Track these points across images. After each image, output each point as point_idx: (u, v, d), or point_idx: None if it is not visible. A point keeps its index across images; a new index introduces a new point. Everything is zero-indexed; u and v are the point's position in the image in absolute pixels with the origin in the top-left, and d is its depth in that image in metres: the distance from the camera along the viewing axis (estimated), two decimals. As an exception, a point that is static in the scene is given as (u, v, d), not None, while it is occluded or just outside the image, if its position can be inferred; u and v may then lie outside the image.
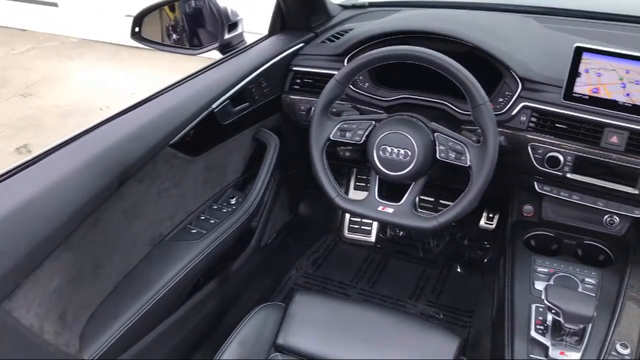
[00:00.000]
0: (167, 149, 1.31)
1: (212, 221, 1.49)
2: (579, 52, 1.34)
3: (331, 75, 1.39)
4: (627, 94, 1.34)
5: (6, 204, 0.98)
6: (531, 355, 1.24)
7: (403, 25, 1.56)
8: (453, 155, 1.33)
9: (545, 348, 1.25)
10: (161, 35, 1.68)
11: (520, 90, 1.44)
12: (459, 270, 2.24)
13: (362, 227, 2.36)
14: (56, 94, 4.62)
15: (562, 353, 1.24)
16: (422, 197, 2.27)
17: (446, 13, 1.80)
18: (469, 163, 1.30)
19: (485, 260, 2.20)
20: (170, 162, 1.37)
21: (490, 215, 2.18)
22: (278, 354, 1.33)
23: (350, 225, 2.37)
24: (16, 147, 3.69)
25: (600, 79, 1.35)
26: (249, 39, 1.70)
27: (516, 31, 1.64)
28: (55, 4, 6.03)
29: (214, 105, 1.42)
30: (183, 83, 1.43)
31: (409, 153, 1.33)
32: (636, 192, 1.36)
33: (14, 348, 1.06)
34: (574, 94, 1.38)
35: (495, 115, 1.43)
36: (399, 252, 2.32)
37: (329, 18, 1.87)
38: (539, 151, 1.43)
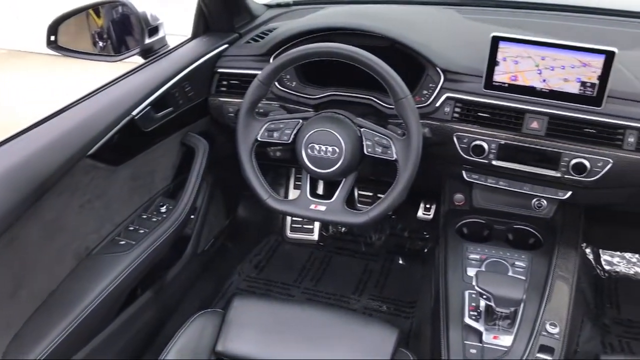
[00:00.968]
0: (86, 160, 1.27)
1: (142, 231, 1.45)
2: (495, 41, 1.37)
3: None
4: (544, 80, 1.37)
5: None
6: (465, 342, 1.26)
7: (326, 22, 1.56)
8: (380, 150, 1.33)
9: (479, 333, 1.27)
10: (80, 43, 1.64)
11: (443, 82, 1.46)
12: (400, 262, 2.26)
13: (305, 226, 2.36)
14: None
15: (495, 337, 1.26)
16: (360, 192, 2.29)
17: (369, 9, 1.81)
18: (395, 156, 1.31)
19: (426, 250, 2.23)
20: (91, 173, 1.32)
21: (427, 205, 2.21)
22: None
23: (293, 225, 2.36)
24: None
25: (518, 66, 1.38)
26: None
27: (437, 23, 1.66)
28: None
29: (134, 112, 1.38)
30: (102, 90, 1.38)
31: (337, 150, 1.33)
32: (559, 175, 1.40)
33: None
34: (494, 83, 1.41)
35: (420, 107, 1.46)
36: (342, 248, 2.33)
37: (253, 18, 1.85)
38: (464, 140, 1.45)
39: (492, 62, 1.39)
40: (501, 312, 1.26)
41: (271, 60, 1.59)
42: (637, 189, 1.40)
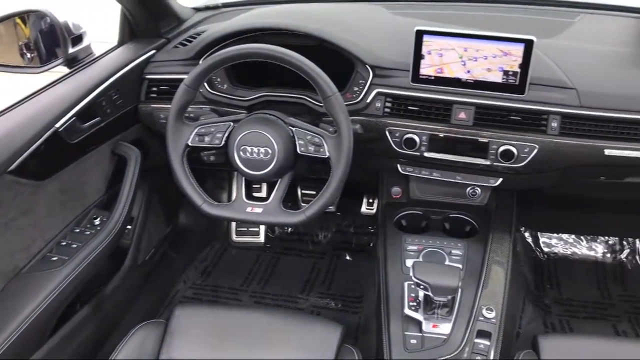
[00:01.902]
0: (6, 177, 1.22)
1: (75, 245, 1.41)
2: (419, 35, 1.39)
3: None
4: (468, 71, 1.40)
5: None
6: (406, 333, 1.28)
7: (254, 23, 1.55)
8: (312, 148, 1.34)
9: (419, 323, 1.29)
10: (7, 55, 1.59)
11: (372, 78, 1.47)
12: (347, 257, 2.27)
13: (250, 229, 2.34)
14: None
15: (434, 326, 1.28)
16: (304, 191, 2.29)
17: (299, 8, 1.81)
18: (327, 154, 1.32)
19: (371, 245, 2.25)
20: (13, 190, 1.28)
21: (370, 200, 2.23)
22: None
23: (238, 229, 2.35)
24: None
25: (443, 59, 1.41)
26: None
27: (365, 20, 1.67)
28: None
29: (57, 125, 1.34)
30: (22, 103, 1.34)
31: (269, 151, 1.33)
32: (488, 162, 1.44)
33: None
34: (420, 76, 1.43)
35: (352, 104, 1.47)
36: (289, 248, 2.33)
37: (181, 22, 1.82)
38: (397, 135, 1.47)
39: (418, 56, 1.41)
40: (439, 301, 1.28)
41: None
42: (563, 171, 1.45)
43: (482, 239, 1.52)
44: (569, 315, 1.97)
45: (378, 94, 1.47)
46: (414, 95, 1.45)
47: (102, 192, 1.59)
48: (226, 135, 1.37)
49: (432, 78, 1.43)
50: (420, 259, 1.46)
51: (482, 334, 1.26)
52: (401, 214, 1.65)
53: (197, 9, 1.92)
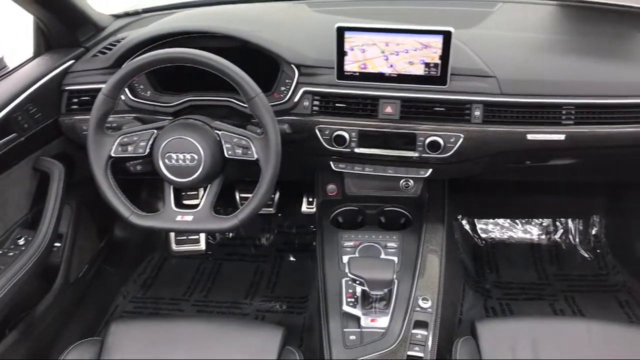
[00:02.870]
0: None
1: None
2: (340, 31, 1.39)
3: None
4: (391, 65, 1.41)
5: None
6: (345, 329, 1.28)
7: (174, 27, 1.52)
8: (240, 151, 1.32)
9: (357, 319, 1.29)
10: None
11: (298, 77, 1.46)
12: (291, 258, 2.27)
13: (190, 237, 2.30)
14: None
15: (373, 320, 1.29)
16: (242, 195, 2.26)
17: (220, 10, 1.79)
18: (256, 156, 1.30)
19: (314, 244, 2.24)
20: None
21: (310, 199, 2.23)
22: None
23: (177, 238, 2.30)
24: None
25: (365, 54, 1.41)
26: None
27: (288, 19, 1.67)
28: None
29: None
30: None
31: (195, 157, 1.30)
32: (416, 155, 1.45)
33: None
34: (345, 73, 1.44)
35: (280, 104, 1.46)
36: (231, 254, 2.30)
37: (99, 30, 1.76)
38: (326, 132, 1.47)
39: (341, 53, 1.41)
40: (376, 295, 1.29)
41: None
42: (490, 158, 1.48)
43: (416, 229, 1.54)
44: (509, 298, 2.02)
45: (305, 92, 1.46)
46: (341, 92, 1.45)
47: (25, 211, 1.52)
48: (150, 143, 1.34)
49: (357, 74, 1.43)
50: (357, 255, 1.46)
51: (419, 324, 1.28)
52: (337, 211, 1.65)
53: (117, 16, 1.87)
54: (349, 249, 1.48)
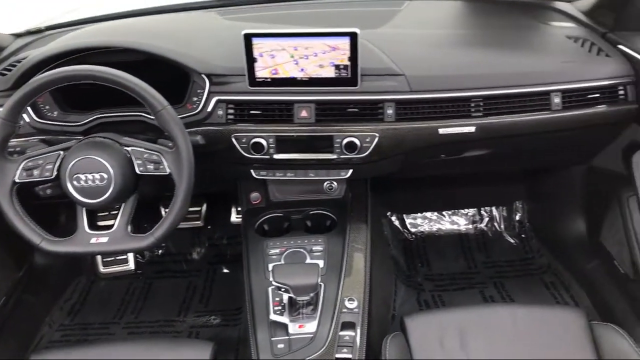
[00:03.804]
0: None
1: None
2: (248, 38, 1.38)
3: None
4: (302, 69, 1.41)
5: None
6: (273, 339, 1.27)
7: (76, 43, 1.46)
8: (152, 167, 1.29)
9: (285, 327, 1.28)
10: None
11: (210, 86, 1.44)
12: (224, 270, 2.23)
13: (118, 257, 2.23)
14: None
15: (301, 326, 1.28)
16: (166, 210, 2.20)
17: (126, 23, 1.74)
18: (168, 170, 1.27)
19: None
20: None
21: (239, 209, 2.20)
22: None
23: (104, 259, 2.22)
24: None
25: (275, 59, 1.41)
26: None
27: (197, 29, 1.64)
28: None
29: None
30: None
31: (105, 176, 1.26)
32: (335, 156, 1.46)
33: None
34: (257, 79, 1.43)
35: (193, 114, 1.44)
36: (162, 271, 2.24)
37: None
38: (243, 140, 1.45)
39: (250, 59, 1.40)
40: (302, 301, 1.28)
41: None
42: (406, 155, 1.50)
43: (341, 230, 1.54)
44: (441, 289, 2.06)
45: (218, 101, 1.44)
46: (254, 99, 1.44)
47: None
48: (57, 165, 1.28)
49: (269, 80, 1.43)
50: (282, 262, 1.45)
51: (346, 325, 1.28)
52: (262, 219, 1.63)
53: (18, 35, 1.78)
54: (274, 257, 1.47)
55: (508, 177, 2.29)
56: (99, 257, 2.21)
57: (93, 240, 1.29)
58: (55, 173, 1.28)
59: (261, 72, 1.42)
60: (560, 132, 1.51)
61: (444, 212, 2.37)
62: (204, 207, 2.18)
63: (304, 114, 1.44)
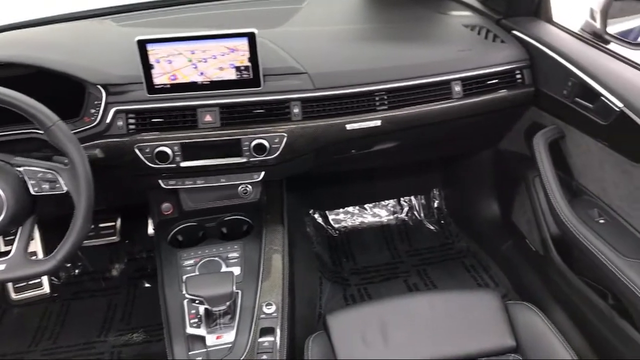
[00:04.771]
0: None
1: None
2: (142, 44, 1.33)
3: None
4: (202, 73, 1.38)
5: None
6: (190, 352, 1.23)
7: None
8: (47, 186, 1.21)
9: (202, 339, 1.24)
10: None
11: (107, 97, 1.38)
12: (146, 285, 2.16)
13: (30, 282, 2.11)
14: None
15: (219, 337, 1.24)
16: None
17: (13, 35, 1.63)
18: (65, 188, 1.21)
19: None
20: None
21: None
22: None
23: (15, 285, 2.10)
24: None
25: (173, 65, 1.36)
26: None
27: (90, 38, 1.57)
28: None
29: None
30: None
31: None
32: (244, 160, 1.43)
33: None
34: (155, 87, 1.38)
35: (91, 127, 1.37)
36: (80, 291, 2.14)
37: None
38: (147, 150, 1.40)
39: (147, 66, 1.35)
40: (219, 311, 1.25)
41: None
42: (316, 152, 1.50)
43: (257, 234, 1.52)
44: (366, 282, 2.07)
45: (117, 112, 1.38)
46: (155, 106, 1.39)
47: None
48: None
49: (168, 86, 1.38)
50: (197, 272, 1.41)
51: (266, 331, 1.25)
52: (175, 230, 1.58)
53: None
54: (188, 268, 1.42)
55: (425, 166, 2.33)
56: (9, 284, 2.08)
57: None
58: None
59: (159, 79, 1.37)
60: (464, 119, 1.54)
61: (365, 206, 2.39)
62: (119, 221, 2.10)
63: (208, 118, 1.40)
